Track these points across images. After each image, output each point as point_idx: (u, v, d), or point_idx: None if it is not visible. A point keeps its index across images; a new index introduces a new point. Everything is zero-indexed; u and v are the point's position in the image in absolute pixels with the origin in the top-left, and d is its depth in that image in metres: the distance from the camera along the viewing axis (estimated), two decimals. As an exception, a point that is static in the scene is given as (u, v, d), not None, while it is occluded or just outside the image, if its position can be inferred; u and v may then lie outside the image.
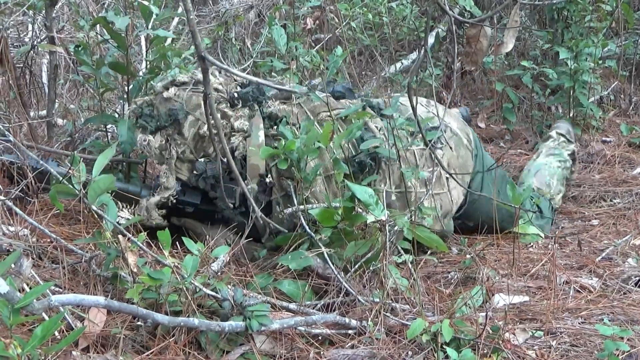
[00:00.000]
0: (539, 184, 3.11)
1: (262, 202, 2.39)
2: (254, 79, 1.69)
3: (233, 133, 2.44)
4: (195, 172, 2.41)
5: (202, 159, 2.43)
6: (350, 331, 2.01)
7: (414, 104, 1.97)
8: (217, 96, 2.49)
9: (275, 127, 2.46)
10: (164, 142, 2.42)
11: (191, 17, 1.28)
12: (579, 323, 2.15)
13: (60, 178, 1.87)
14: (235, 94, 2.52)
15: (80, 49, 2.81)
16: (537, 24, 4.33)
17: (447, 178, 2.55)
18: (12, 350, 1.44)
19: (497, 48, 3.67)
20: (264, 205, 2.38)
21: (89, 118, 2.99)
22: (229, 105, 2.50)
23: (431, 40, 4.85)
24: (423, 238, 2.20)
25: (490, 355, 1.88)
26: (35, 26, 3.84)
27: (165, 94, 2.47)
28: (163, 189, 2.43)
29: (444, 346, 1.85)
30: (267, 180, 2.37)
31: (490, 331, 1.90)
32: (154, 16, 2.68)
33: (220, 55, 4.15)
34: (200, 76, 2.43)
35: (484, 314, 1.99)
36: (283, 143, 2.08)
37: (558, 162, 3.25)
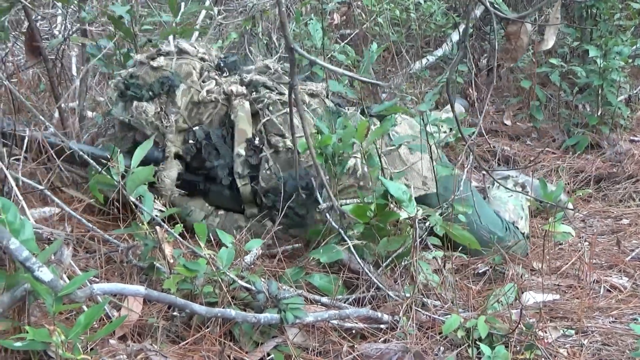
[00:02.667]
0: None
1: (253, 164, 2.42)
2: (340, 70, 1.66)
3: (233, 97, 2.48)
4: (191, 140, 2.42)
5: (197, 127, 2.44)
6: (382, 325, 2.02)
7: (452, 100, 1.98)
8: (205, 65, 2.54)
9: (254, 92, 2.51)
10: (159, 110, 2.42)
11: (282, 9, 1.28)
12: (610, 322, 2.15)
13: (100, 169, 1.89)
14: (222, 63, 2.58)
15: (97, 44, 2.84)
16: (565, 21, 4.30)
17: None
18: (56, 337, 1.46)
19: (538, 45, 3.66)
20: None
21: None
22: (217, 72, 2.55)
23: (455, 37, 4.84)
24: (456, 235, 2.20)
25: (523, 352, 1.88)
26: (66, 19, 3.88)
27: (153, 63, 2.47)
28: (171, 159, 2.43)
29: (478, 342, 1.85)
30: (256, 140, 2.41)
31: (524, 328, 1.90)
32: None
33: (247, 49, 4.16)
34: (184, 45, 2.53)
35: (515, 311, 1.99)
36: (319, 137, 2.08)
37: (506, 193, 2.97)
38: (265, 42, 4.28)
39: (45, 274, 1.56)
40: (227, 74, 2.60)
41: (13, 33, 3.55)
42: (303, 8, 4.27)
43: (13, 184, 1.91)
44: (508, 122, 4.15)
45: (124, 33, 2.72)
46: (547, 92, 4.08)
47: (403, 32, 4.30)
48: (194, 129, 2.45)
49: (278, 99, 2.50)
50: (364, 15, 4.27)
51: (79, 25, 3.18)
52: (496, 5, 3.39)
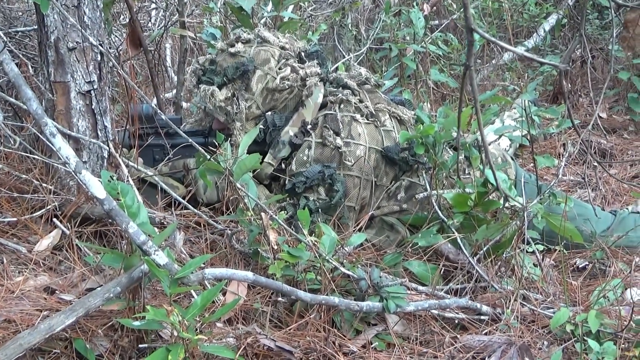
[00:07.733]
0: None
1: (295, 143, 2.40)
2: (519, 51, 1.58)
3: (308, 78, 2.47)
4: (261, 126, 2.41)
5: (269, 113, 2.44)
6: (482, 317, 2.00)
7: (565, 88, 1.93)
8: (285, 53, 2.50)
9: (338, 88, 2.50)
10: (229, 94, 2.41)
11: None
12: None
13: (208, 157, 1.94)
14: (303, 53, 2.55)
15: (209, 32, 2.91)
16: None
17: None
18: (174, 317, 1.51)
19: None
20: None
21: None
22: (297, 61, 2.52)
23: (547, 27, 4.73)
24: (557, 227, 2.16)
25: (631, 350, 1.83)
26: (160, 11, 4.00)
27: (231, 50, 2.46)
28: (237, 147, 2.41)
29: (585, 338, 1.81)
30: (309, 126, 2.39)
31: (633, 325, 1.85)
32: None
33: (336, 40, 4.18)
34: (265, 34, 2.51)
35: (626, 307, 1.94)
36: (420, 127, 2.08)
37: None
38: (354, 33, 4.29)
39: (161, 257, 1.61)
40: (308, 62, 2.57)
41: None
42: (392, -1, 4.25)
43: (125, 171, 1.98)
44: (603, 115, 4.03)
45: (244, 24, 2.77)
46: (645, 84, 3.93)
47: (494, 23, 4.22)
48: (266, 114, 2.45)
49: (354, 103, 2.46)
50: (454, 5, 4.22)
51: (177, 17, 3.27)
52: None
